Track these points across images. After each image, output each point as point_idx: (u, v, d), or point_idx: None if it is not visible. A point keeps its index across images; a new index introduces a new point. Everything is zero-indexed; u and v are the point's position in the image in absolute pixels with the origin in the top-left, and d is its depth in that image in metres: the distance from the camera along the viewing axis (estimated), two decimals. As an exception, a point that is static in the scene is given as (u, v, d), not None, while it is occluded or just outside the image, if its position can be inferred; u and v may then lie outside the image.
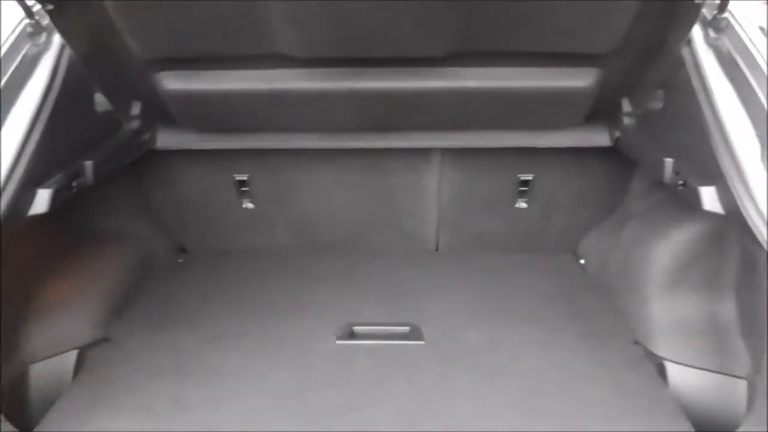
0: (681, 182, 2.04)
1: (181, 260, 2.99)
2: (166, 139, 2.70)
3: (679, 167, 2.08)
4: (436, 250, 3.05)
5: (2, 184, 1.75)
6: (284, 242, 3.05)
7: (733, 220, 1.82)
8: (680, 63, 2.09)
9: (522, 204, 2.93)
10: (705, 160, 1.91)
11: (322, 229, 3.02)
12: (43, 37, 2.06)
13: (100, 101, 2.34)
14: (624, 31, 2.08)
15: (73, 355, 2.18)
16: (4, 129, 1.84)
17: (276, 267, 2.87)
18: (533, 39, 2.14)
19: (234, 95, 2.38)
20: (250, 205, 2.95)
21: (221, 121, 2.56)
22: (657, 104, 2.32)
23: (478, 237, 3.02)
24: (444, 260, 2.97)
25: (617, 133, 2.59)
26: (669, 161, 2.12)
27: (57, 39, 2.07)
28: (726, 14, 2.02)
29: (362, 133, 2.66)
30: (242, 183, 2.89)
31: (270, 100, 2.40)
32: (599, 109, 2.50)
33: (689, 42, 2.07)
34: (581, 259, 2.93)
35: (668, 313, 2.22)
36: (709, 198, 1.89)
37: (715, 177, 1.87)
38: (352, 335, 2.33)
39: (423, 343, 2.27)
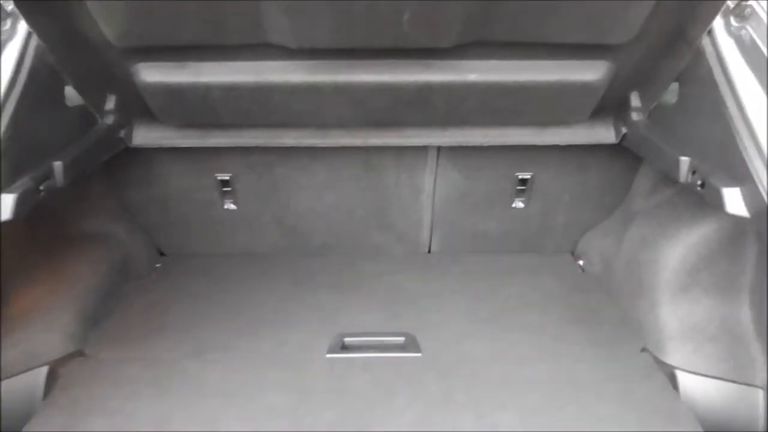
0: (699, 182, 1.94)
1: (159, 265, 2.84)
2: (144, 136, 2.54)
3: (697, 166, 1.98)
4: (429, 252, 2.95)
5: None
6: (270, 245, 2.92)
7: (757, 222, 1.72)
8: (700, 54, 2.00)
9: (519, 204, 2.84)
10: (729, 159, 1.81)
11: (310, 230, 2.90)
12: (8, 23, 1.92)
13: (71, 95, 2.19)
14: (642, 20, 1.97)
15: (44, 371, 2.02)
16: (-37, 127, 1.69)
17: (261, 272, 2.74)
18: (544, 29, 2.03)
19: (218, 89, 2.24)
20: (233, 206, 2.81)
21: (204, 117, 2.42)
22: (671, 98, 2.23)
23: (473, 238, 2.93)
24: (439, 263, 2.86)
25: (624, 130, 2.49)
26: (685, 159, 2.01)
27: (23, 26, 1.93)
28: (750, 1, 1.92)
29: (356, 129, 2.53)
30: (224, 183, 2.75)
31: (258, 94, 2.26)
32: (606, 104, 2.40)
33: (710, 31, 1.98)
34: (579, 259, 2.85)
35: (678, 318, 2.13)
36: (733, 200, 1.78)
37: (741, 178, 1.77)
38: (344, 348, 2.20)
39: (420, 354, 2.15)
